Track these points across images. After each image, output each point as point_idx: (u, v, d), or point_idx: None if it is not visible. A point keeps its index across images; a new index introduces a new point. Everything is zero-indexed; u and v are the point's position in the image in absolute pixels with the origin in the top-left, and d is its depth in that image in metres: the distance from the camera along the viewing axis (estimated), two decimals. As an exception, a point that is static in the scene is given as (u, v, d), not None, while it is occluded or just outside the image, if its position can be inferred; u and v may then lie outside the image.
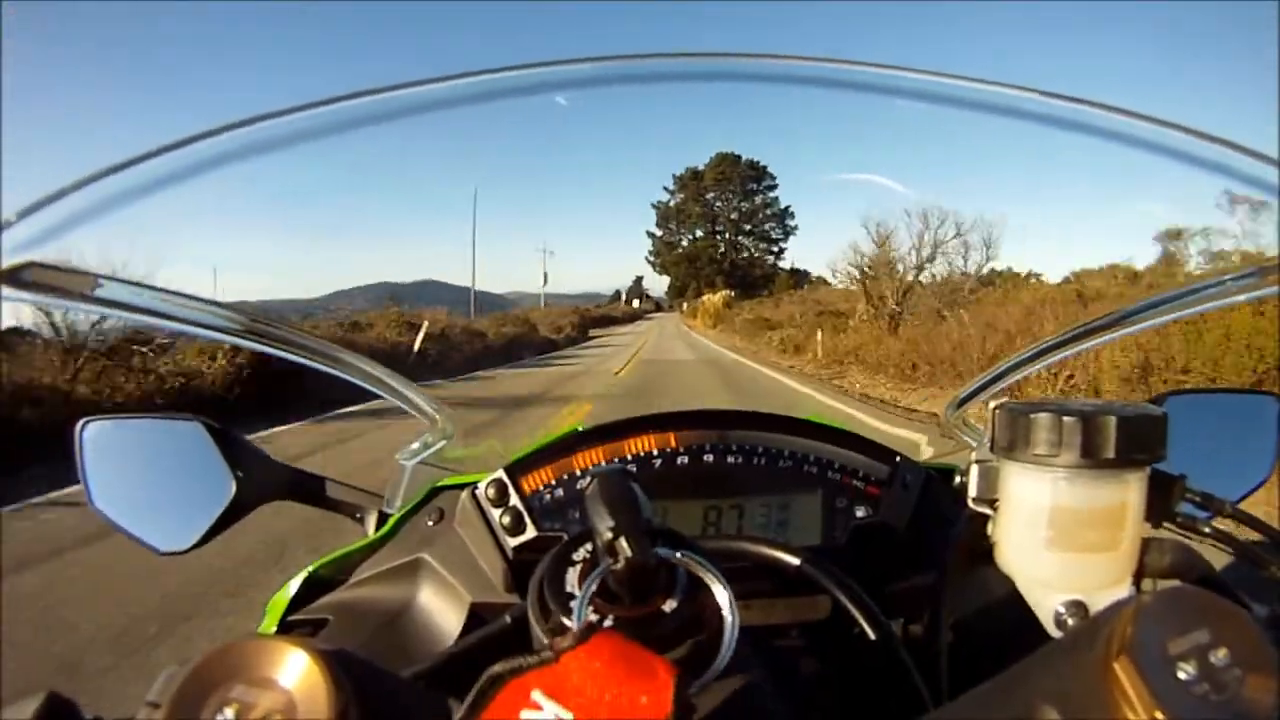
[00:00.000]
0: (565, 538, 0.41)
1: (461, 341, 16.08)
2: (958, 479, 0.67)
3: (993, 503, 0.50)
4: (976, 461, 0.51)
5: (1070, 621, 0.45)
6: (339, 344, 0.66)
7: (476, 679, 0.27)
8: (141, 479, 0.71)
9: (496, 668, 0.27)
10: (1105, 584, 0.46)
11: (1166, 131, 0.38)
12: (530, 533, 0.62)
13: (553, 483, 0.64)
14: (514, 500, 0.62)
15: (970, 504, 0.51)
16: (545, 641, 0.36)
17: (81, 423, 0.68)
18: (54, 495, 4.42)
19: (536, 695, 0.26)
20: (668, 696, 0.26)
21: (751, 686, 0.36)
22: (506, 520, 0.62)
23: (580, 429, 0.67)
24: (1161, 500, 0.50)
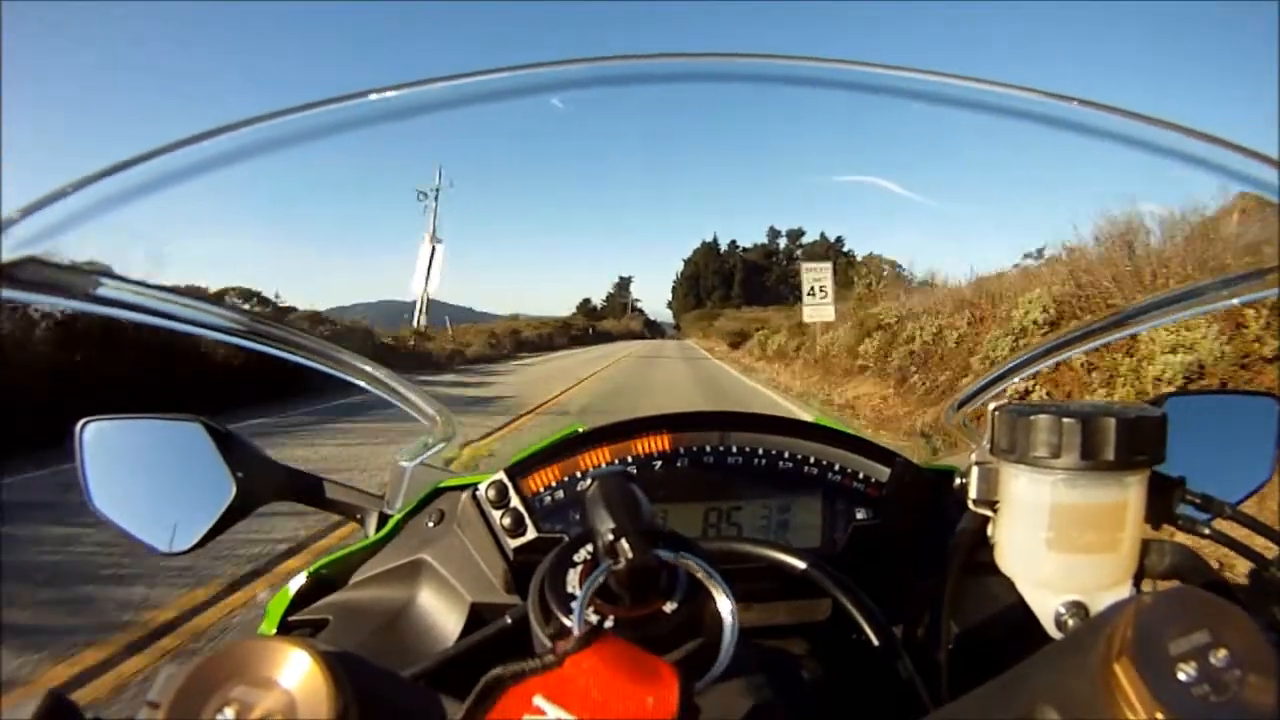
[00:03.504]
0: (566, 539, 0.41)
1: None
2: (958, 481, 0.67)
3: (993, 504, 0.50)
4: (976, 463, 0.51)
5: (1071, 622, 0.45)
6: (339, 344, 0.66)
7: (477, 679, 0.27)
8: (141, 479, 0.71)
9: (498, 670, 0.27)
10: (1106, 585, 0.46)
11: (1166, 132, 0.38)
12: (531, 534, 0.62)
13: (553, 484, 0.64)
14: (514, 502, 0.62)
15: (971, 506, 0.51)
16: (546, 642, 0.36)
17: (81, 423, 0.68)
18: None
19: (539, 700, 0.26)
20: (673, 698, 0.26)
21: (752, 688, 0.36)
22: (507, 521, 0.62)
23: (581, 430, 0.67)
24: (1161, 502, 0.50)
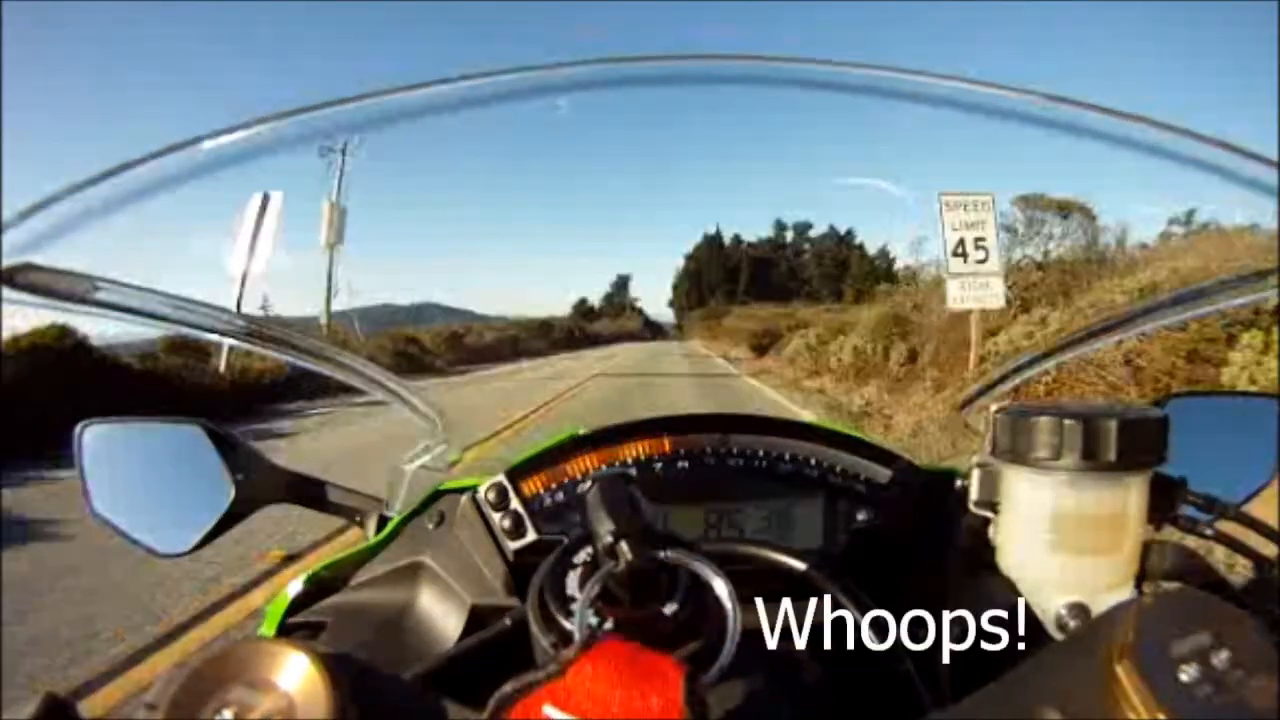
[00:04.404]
0: (566, 541, 0.41)
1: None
2: (959, 483, 0.67)
3: (994, 506, 0.50)
4: (978, 465, 0.51)
5: (1072, 624, 0.45)
6: (338, 346, 0.66)
7: (476, 681, 0.27)
8: (141, 481, 0.71)
9: (506, 688, 0.27)
10: (1107, 586, 0.45)
11: (1164, 134, 0.38)
12: (531, 536, 0.62)
13: (553, 487, 0.64)
14: (514, 504, 0.63)
15: (972, 507, 0.51)
16: (545, 645, 0.36)
17: (81, 425, 0.68)
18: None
19: (548, 710, 0.26)
20: (678, 696, 0.26)
21: (753, 689, 0.36)
22: (507, 524, 0.62)
23: (581, 433, 0.68)
24: (1163, 503, 0.50)
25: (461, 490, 0.66)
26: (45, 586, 3.05)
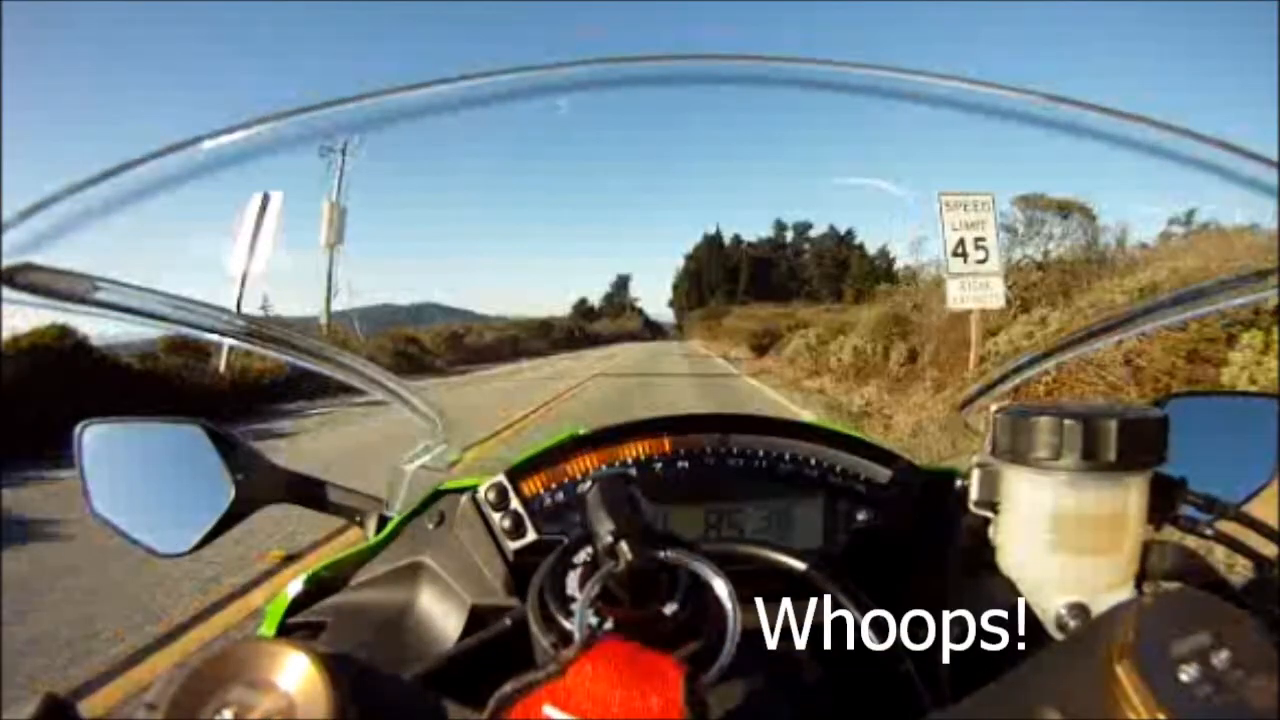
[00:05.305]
0: (566, 541, 0.41)
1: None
2: (959, 483, 0.67)
3: (994, 506, 0.50)
4: (978, 465, 0.51)
5: (1072, 624, 0.45)
6: (338, 346, 0.66)
7: (476, 681, 0.27)
8: (141, 481, 0.71)
9: (506, 688, 0.27)
10: (1107, 586, 0.45)
11: (1164, 134, 0.38)
12: (531, 536, 0.62)
13: (553, 487, 0.64)
14: (514, 504, 0.63)
15: (972, 507, 0.51)
16: (546, 645, 0.36)
17: (81, 425, 0.68)
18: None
19: (548, 710, 0.26)
20: (678, 696, 0.26)
21: (753, 689, 0.36)
22: (507, 524, 0.62)
23: (581, 433, 0.68)
24: (1164, 503, 0.50)
25: (461, 490, 0.66)
26: (45, 586, 3.04)
